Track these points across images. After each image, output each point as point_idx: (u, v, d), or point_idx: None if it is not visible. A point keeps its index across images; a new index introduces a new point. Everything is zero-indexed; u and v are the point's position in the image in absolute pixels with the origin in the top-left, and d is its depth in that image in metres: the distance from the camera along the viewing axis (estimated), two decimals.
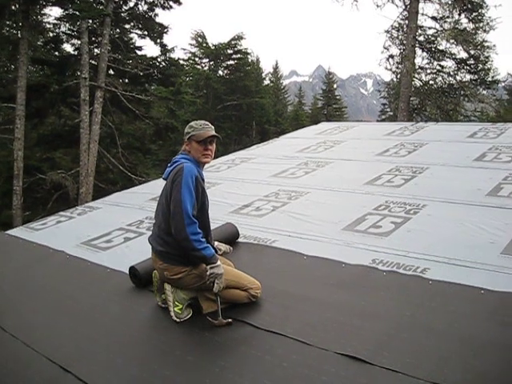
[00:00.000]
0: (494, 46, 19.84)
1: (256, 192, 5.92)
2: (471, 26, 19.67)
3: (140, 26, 20.56)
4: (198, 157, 3.41)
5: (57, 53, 19.95)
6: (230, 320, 3.21)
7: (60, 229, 5.79)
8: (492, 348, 2.69)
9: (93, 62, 18.71)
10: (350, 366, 2.66)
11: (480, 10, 19.33)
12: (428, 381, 2.46)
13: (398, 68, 21.23)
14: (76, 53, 19.25)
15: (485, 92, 21.08)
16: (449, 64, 20.72)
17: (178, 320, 3.32)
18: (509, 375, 2.49)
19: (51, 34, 20.13)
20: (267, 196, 5.83)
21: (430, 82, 21.13)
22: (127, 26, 20.94)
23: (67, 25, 19.13)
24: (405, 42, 20.12)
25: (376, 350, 2.76)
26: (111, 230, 5.36)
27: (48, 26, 20.05)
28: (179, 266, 3.29)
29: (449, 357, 2.64)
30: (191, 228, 3.17)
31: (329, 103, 50.53)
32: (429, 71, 21.10)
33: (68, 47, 20.39)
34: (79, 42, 18.56)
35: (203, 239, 3.22)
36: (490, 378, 2.46)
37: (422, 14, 19.79)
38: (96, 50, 19.54)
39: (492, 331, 2.84)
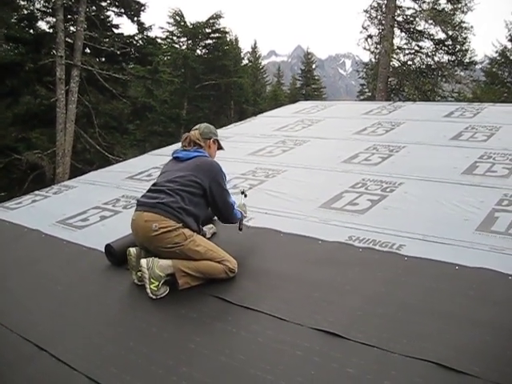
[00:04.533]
0: (472, 27, 20.04)
1: (233, 170, 5.87)
2: (450, 6, 19.80)
3: (117, 3, 20.15)
4: (213, 156, 3.99)
5: (31, 30, 19.50)
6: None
7: (35, 208, 5.72)
8: (466, 322, 2.73)
9: (69, 40, 18.29)
10: (325, 341, 2.67)
11: None
12: (402, 355, 2.48)
13: (376, 48, 21.27)
14: (51, 31, 18.83)
15: (462, 73, 21.26)
16: (427, 44, 20.91)
17: (154, 297, 3.31)
18: (482, 349, 2.52)
19: (25, 11, 19.70)
20: (244, 174, 5.81)
21: (409, 62, 21.28)
22: (104, 4, 20.54)
23: (41, 1, 18.76)
24: (383, 22, 20.17)
25: (351, 325, 2.78)
26: (87, 208, 5.30)
27: (22, 2, 19.60)
28: (173, 219, 3.36)
29: (423, 332, 2.67)
30: (235, 212, 3.89)
31: (307, 83, 50.52)
32: (407, 52, 21.26)
33: (43, 25, 19.93)
34: (54, 20, 18.15)
35: (236, 211, 3.92)
36: (464, 352, 2.49)
37: None
38: (72, 28, 19.11)
39: (466, 306, 2.88)
